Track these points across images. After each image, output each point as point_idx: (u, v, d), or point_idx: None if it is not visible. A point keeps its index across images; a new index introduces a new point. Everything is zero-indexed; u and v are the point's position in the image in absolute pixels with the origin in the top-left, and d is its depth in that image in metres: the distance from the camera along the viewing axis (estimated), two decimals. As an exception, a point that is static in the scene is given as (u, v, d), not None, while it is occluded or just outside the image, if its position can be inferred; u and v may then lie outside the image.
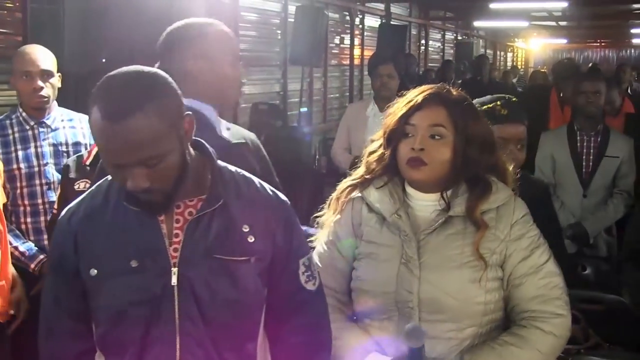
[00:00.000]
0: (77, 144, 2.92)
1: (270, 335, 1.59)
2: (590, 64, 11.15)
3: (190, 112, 1.43)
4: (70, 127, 2.90)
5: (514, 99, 2.17)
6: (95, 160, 2.62)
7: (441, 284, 1.65)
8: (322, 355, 1.61)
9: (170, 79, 1.42)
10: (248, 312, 1.50)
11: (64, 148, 2.88)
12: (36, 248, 2.78)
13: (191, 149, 1.49)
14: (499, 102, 2.11)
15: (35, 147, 2.84)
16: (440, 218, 1.69)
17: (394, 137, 1.73)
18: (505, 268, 1.68)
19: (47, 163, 2.82)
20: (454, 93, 1.76)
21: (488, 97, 2.17)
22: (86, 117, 3.00)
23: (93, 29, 3.63)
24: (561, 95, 5.20)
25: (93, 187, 1.55)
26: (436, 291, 1.65)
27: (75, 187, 2.61)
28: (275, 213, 1.54)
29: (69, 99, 3.07)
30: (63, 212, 1.55)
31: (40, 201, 2.81)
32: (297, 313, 1.57)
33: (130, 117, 1.31)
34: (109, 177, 1.52)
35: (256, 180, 1.58)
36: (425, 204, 1.73)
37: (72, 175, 2.65)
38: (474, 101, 1.98)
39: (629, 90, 7.15)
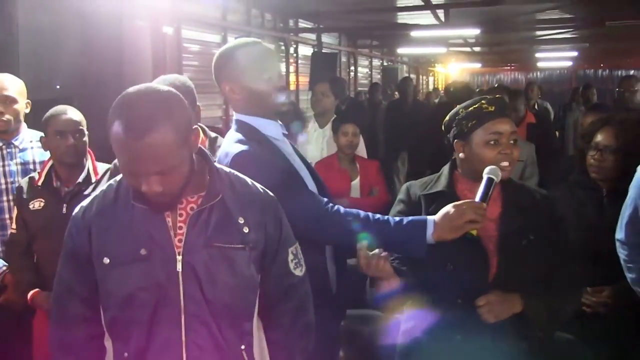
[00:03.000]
0: (43, 163, 2.94)
1: (262, 318, 1.69)
2: (497, 84, 11.68)
3: (196, 126, 1.53)
4: (39, 147, 2.93)
5: (497, 96, 2.09)
6: (46, 180, 2.69)
7: None
8: (306, 336, 1.73)
9: (181, 97, 1.51)
10: (244, 295, 1.59)
11: (31, 167, 2.92)
12: (1, 260, 2.77)
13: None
14: (483, 102, 2.01)
15: (3, 165, 2.87)
16: None
17: None
18: None
19: (13, 181, 2.85)
20: None
21: (470, 100, 2.07)
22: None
23: (47, 58, 3.64)
24: None
25: (104, 187, 1.64)
26: None
27: (30, 206, 2.66)
28: (266, 207, 1.65)
29: (27, 124, 3.08)
30: (77, 209, 1.63)
31: (7, 216, 2.84)
32: (285, 296, 1.68)
33: (150, 134, 1.39)
34: (117, 178, 1.61)
35: (248, 179, 1.69)
36: None
37: (25, 196, 2.68)
38: (459, 107, 2.06)
39: (535, 106, 7.55)
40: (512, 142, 1.97)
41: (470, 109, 2.02)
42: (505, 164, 1.95)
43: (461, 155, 2.03)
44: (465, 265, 1.92)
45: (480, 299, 1.89)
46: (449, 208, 1.87)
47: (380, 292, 1.94)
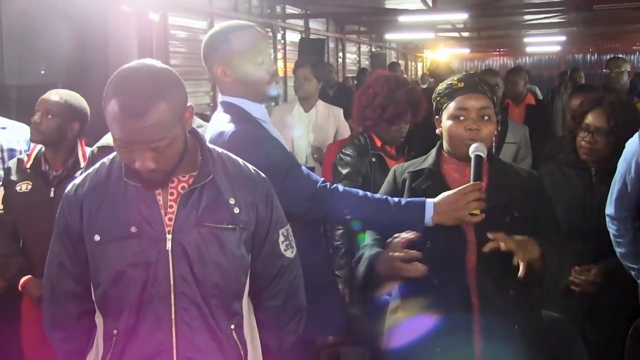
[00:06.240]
0: (12, 150, 2.92)
1: (252, 299, 1.69)
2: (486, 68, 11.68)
3: (191, 104, 1.53)
4: (5, 134, 2.89)
5: (470, 73, 2.08)
6: (35, 163, 2.66)
7: None
8: (296, 318, 1.73)
9: (177, 75, 1.51)
10: (234, 275, 1.59)
11: None
12: None
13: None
14: (455, 78, 2.04)
15: None
16: None
17: None
18: None
19: None
20: None
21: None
22: (20, 125, 3.01)
23: (31, 44, 3.60)
24: None
25: (97, 164, 1.63)
26: None
27: (17, 188, 2.64)
28: (257, 189, 1.65)
29: (11, 110, 3.05)
30: (69, 187, 1.62)
31: None
32: (276, 278, 1.68)
33: (147, 114, 1.40)
34: (110, 156, 1.60)
35: (240, 160, 1.68)
36: None
37: (13, 177, 2.66)
38: (440, 84, 2.08)
39: (523, 90, 7.55)
40: (482, 117, 1.96)
41: (444, 85, 2.06)
42: (473, 144, 1.92)
43: (437, 131, 2.07)
44: (445, 242, 1.91)
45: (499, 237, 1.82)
46: (448, 194, 1.89)
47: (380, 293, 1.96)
